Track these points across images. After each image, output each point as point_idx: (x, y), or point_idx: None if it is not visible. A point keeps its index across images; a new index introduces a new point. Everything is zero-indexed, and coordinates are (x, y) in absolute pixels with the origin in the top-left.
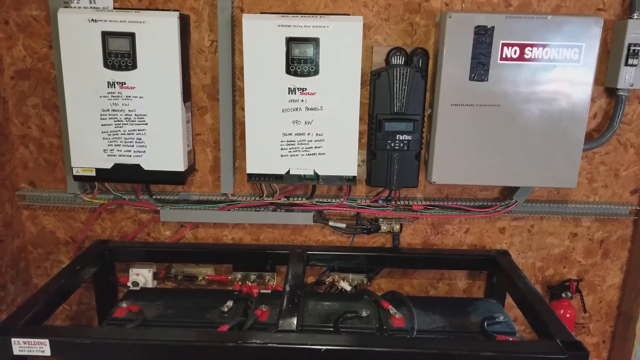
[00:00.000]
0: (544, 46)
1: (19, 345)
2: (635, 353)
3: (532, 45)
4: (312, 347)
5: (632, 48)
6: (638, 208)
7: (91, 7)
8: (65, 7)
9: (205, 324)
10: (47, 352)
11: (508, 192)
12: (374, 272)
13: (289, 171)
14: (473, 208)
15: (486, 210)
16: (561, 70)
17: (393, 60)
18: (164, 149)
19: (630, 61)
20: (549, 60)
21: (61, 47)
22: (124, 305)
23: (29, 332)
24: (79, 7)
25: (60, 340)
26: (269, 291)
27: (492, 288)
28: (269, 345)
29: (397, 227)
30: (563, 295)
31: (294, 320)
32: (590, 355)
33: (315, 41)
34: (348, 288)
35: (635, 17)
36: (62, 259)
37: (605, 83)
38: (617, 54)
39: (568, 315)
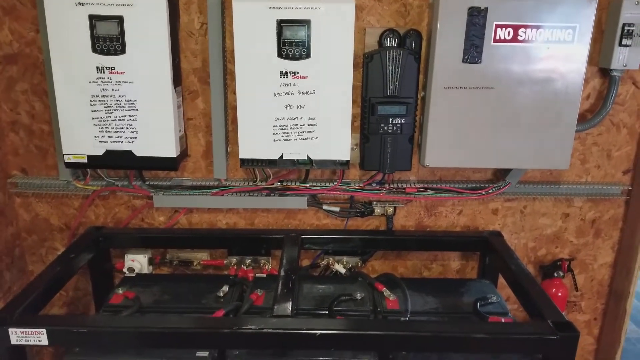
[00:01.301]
0: (537, 27)
1: (16, 335)
2: (626, 330)
3: (525, 27)
4: (307, 331)
5: (626, 28)
6: (630, 188)
7: None
8: None
9: (201, 309)
10: (45, 341)
11: (501, 174)
12: (368, 255)
13: (282, 156)
14: (466, 190)
15: (479, 192)
16: (555, 51)
17: (386, 42)
18: (155, 134)
19: (624, 41)
20: (543, 41)
21: (48, 31)
22: (120, 291)
23: (26, 322)
24: None
25: (58, 329)
26: (264, 275)
27: (485, 268)
28: (264, 330)
29: (391, 209)
30: (555, 274)
31: (289, 305)
32: (581, 332)
33: (306, 23)
34: (342, 271)
35: None
36: (56, 246)
37: (599, 63)
38: (611, 34)
39: (560, 294)
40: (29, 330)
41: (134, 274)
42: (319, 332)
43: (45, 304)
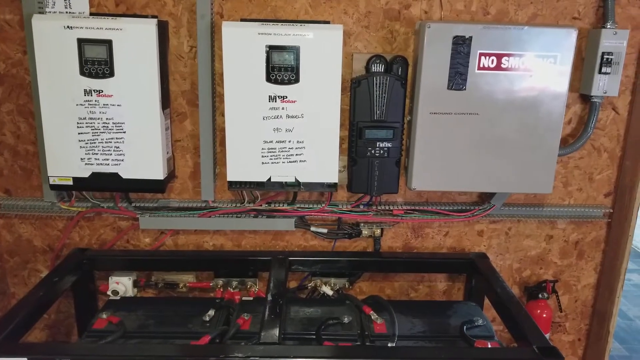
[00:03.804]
0: (520, 56)
1: None
2: (609, 350)
3: (508, 55)
4: (295, 359)
5: (605, 56)
6: (611, 210)
7: (67, 12)
8: (40, 12)
9: (187, 335)
10: None
11: (486, 196)
12: (356, 276)
13: (270, 178)
14: (452, 212)
15: (465, 214)
16: (537, 79)
17: (373, 67)
18: (142, 157)
19: (603, 69)
20: (525, 69)
21: (36, 54)
22: (104, 316)
23: (7, 350)
24: (54, 12)
25: (39, 358)
26: (251, 298)
27: (471, 290)
28: (251, 358)
29: (378, 231)
30: (540, 295)
31: (276, 332)
32: (566, 353)
33: (295, 49)
34: (330, 292)
35: (609, 26)
36: (39, 268)
37: (580, 90)
38: (591, 62)
39: (545, 315)
40: (10, 359)
41: (118, 297)
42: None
43: (27, 329)
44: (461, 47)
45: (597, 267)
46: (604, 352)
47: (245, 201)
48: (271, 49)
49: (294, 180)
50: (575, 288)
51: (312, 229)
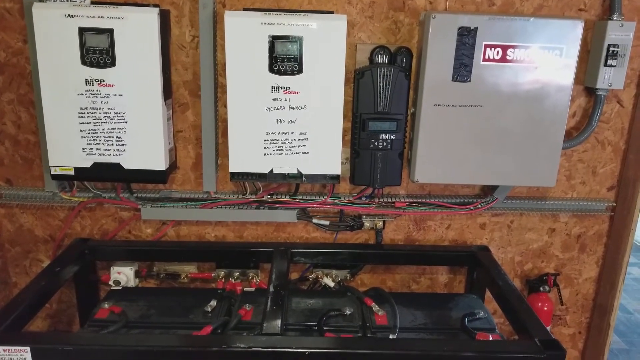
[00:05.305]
0: (525, 48)
1: None
2: (609, 343)
3: (514, 47)
4: (297, 350)
5: (611, 49)
6: (614, 204)
7: (68, 1)
8: (41, 0)
9: (189, 325)
10: (29, 359)
11: (489, 189)
12: (357, 268)
13: (272, 170)
14: (454, 205)
15: (467, 206)
16: (542, 71)
17: (377, 58)
18: (144, 147)
19: (609, 62)
20: (531, 61)
21: (36, 43)
22: (106, 306)
23: (10, 339)
24: (55, 1)
25: (42, 347)
26: (253, 289)
27: (472, 283)
28: (253, 349)
29: (380, 223)
30: (541, 289)
31: (278, 323)
32: (566, 346)
33: (298, 39)
34: (331, 284)
35: (615, 18)
36: (41, 257)
37: (585, 82)
38: (597, 55)
39: (546, 309)
40: (12, 348)
41: (119, 287)
42: (308, 350)
43: (29, 319)
44: (466, 38)
45: (598, 260)
46: (604, 345)
47: (247, 192)
48: (274, 39)
49: (296, 172)
50: (577, 281)
51: (314, 220)
